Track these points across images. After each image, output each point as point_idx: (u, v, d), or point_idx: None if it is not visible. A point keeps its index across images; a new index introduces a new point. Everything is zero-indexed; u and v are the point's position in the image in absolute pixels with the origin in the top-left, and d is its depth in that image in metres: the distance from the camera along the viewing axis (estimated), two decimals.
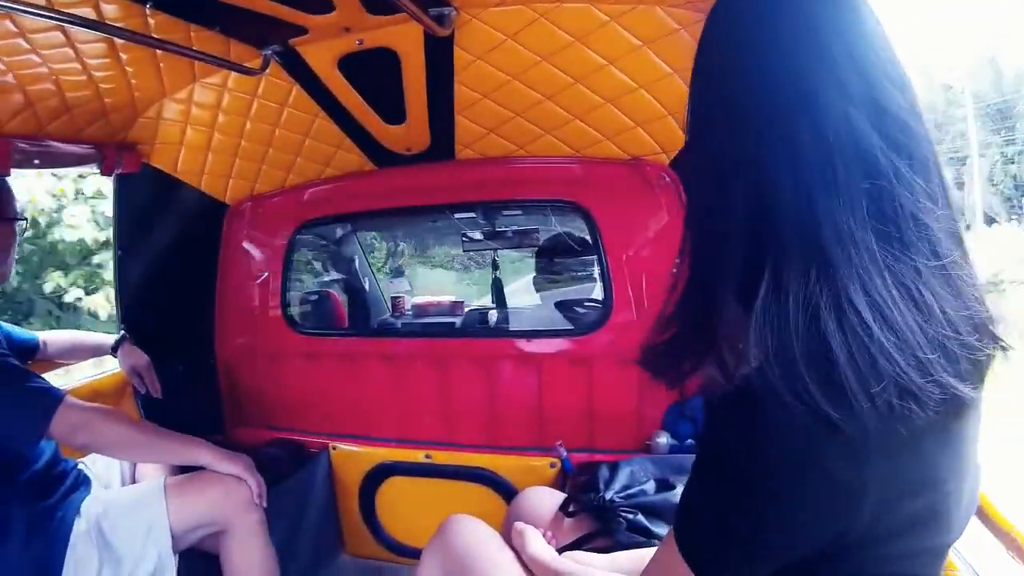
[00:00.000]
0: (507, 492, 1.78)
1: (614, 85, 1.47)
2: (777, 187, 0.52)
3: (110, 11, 1.34)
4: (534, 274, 2.28)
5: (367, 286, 2.70)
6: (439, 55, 1.51)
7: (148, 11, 1.34)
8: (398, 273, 2.83)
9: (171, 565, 1.31)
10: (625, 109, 1.55)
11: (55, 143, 1.75)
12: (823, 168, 0.51)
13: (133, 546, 1.30)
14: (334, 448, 2.02)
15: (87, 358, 1.85)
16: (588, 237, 1.93)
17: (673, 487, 1.26)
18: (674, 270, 1.76)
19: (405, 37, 1.47)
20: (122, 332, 1.83)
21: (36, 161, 1.73)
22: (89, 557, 1.29)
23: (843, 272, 0.49)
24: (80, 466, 1.49)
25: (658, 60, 1.37)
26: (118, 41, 1.47)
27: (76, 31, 1.41)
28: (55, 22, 1.33)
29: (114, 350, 1.80)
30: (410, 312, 2.46)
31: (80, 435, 1.25)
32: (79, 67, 1.57)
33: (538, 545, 1.00)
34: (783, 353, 0.49)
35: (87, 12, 1.31)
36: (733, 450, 0.53)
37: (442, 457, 1.87)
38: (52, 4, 1.27)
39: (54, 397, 1.24)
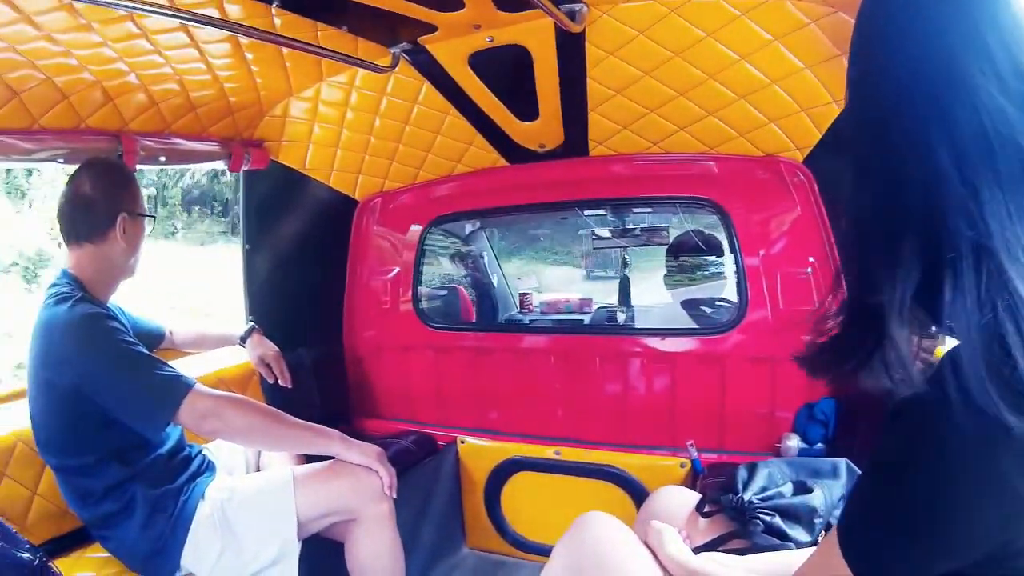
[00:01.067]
0: (635, 491, 1.89)
1: (746, 81, 1.54)
2: (945, 183, 0.54)
3: (235, 11, 1.42)
4: (663, 272, 2.36)
5: (496, 282, 2.87)
6: (571, 51, 1.58)
7: (274, 10, 1.42)
8: (531, 271, 3.03)
9: (294, 551, 1.41)
10: (758, 105, 1.62)
11: (181, 140, 1.88)
12: (985, 163, 0.53)
13: (257, 531, 1.41)
14: (462, 442, 2.18)
15: (213, 348, 2.00)
16: (720, 235, 2.06)
17: (810, 490, 1.29)
18: (808, 269, 1.92)
19: (536, 34, 1.55)
20: (251, 323, 1.96)
21: (162, 158, 1.86)
22: (210, 540, 1.41)
23: (1012, 273, 0.51)
24: (205, 452, 1.62)
25: (790, 55, 1.43)
26: (243, 41, 1.57)
27: (200, 31, 1.51)
28: (179, 22, 1.43)
29: (243, 340, 1.93)
30: (538, 308, 2.62)
31: (208, 422, 1.34)
32: (203, 67, 1.67)
33: (676, 545, 1.04)
34: (964, 358, 0.51)
35: (212, 12, 1.40)
36: (910, 457, 0.56)
37: (571, 454, 1.99)
38: (175, 4, 1.35)
39: (184, 385, 1.33)
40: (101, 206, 1.50)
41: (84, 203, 1.50)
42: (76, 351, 1.39)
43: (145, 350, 1.46)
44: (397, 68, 1.68)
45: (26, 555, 1.26)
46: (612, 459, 1.95)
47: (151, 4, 1.31)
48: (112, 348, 1.40)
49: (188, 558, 1.45)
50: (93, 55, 1.56)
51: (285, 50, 1.64)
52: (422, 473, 2.05)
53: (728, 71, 1.53)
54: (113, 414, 1.39)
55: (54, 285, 1.49)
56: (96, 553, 1.62)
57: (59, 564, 1.34)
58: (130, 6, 1.29)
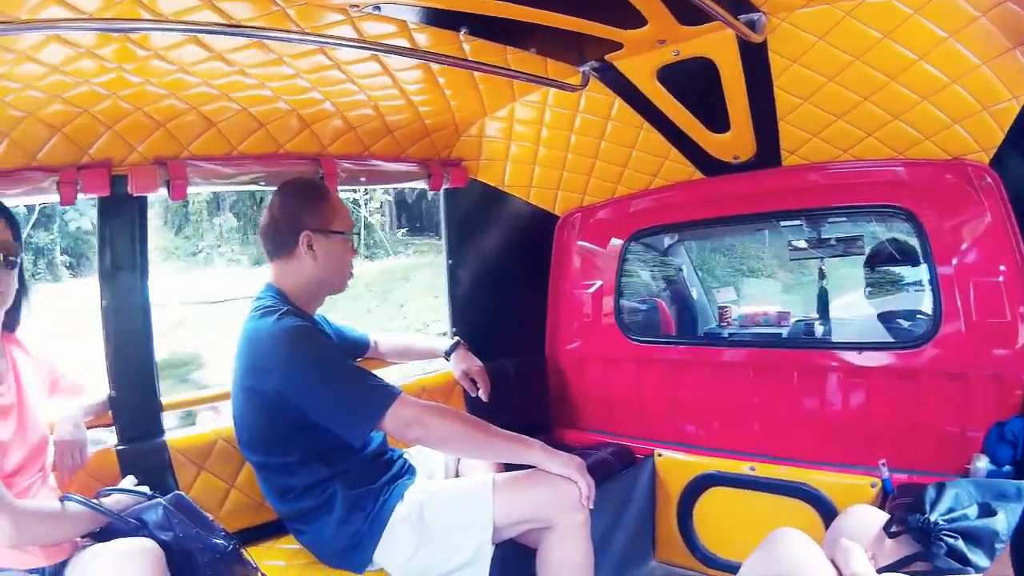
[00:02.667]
0: (825, 509, 1.99)
1: (926, 82, 1.66)
2: None
3: (424, 40, 1.67)
4: (852, 282, 2.62)
5: (695, 295, 3.11)
6: (756, 61, 1.78)
7: (463, 37, 1.66)
8: (725, 283, 3.30)
9: (487, 555, 1.56)
10: (941, 106, 1.73)
11: (380, 162, 2.20)
12: None
13: (453, 533, 1.58)
14: (659, 455, 2.35)
15: (417, 359, 2.29)
16: (913, 243, 2.17)
17: (995, 513, 1.33)
18: (1000, 278, 2.20)
19: (720, 45, 1.76)
20: (456, 338, 2.24)
21: (363, 179, 2.18)
22: (406, 539, 1.60)
23: None
24: (405, 456, 1.83)
25: (965, 51, 1.54)
26: (435, 67, 1.83)
27: (391, 59, 1.77)
28: (370, 52, 1.69)
29: (447, 355, 2.20)
30: (737, 321, 2.77)
31: (412, 430, 1.54)
32: (397, 92, 1.96)
33: (861, 564, 1.16)
34: None
35: (402, 42, 1.64)
36: None
37: (765, 470, 2.14)
38: (364, 37, 1.60)
39: (390, 394, 1.54)
40: (283, 224, 1.78)
41: (272, 222, 1.80)
42: (282, 361, 1.63)
43: (350, 361, 1.74)
44: (588, 86, 1.93)
45: (220, 541, 1.51)
46: (805, 476, 2.08)
47: (343, 39, 1.57)
48: (318, 359, 1.65)
49: (381, 554, 1.63)
50: (287, 86, 1.85)
51: (476, 73, 1.90)
52: (618, 484, 2.24)
53: (908, 72, 1.65)
54: (317, 418, 1.61)
55: (259, 298, 1.77)
56: (287, 544, 1.88)
57: (251, 551, 1.60)
58: (322, 41, 1.56)
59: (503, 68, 1.74)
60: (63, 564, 1.51)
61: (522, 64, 1.80)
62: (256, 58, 1.69)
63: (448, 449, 1.71)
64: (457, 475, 1.91)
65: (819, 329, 2.54)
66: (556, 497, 1.59)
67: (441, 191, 2.35)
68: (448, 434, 1.56)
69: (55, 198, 1.89)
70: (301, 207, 1.78)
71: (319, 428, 1.62)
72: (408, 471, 1.79)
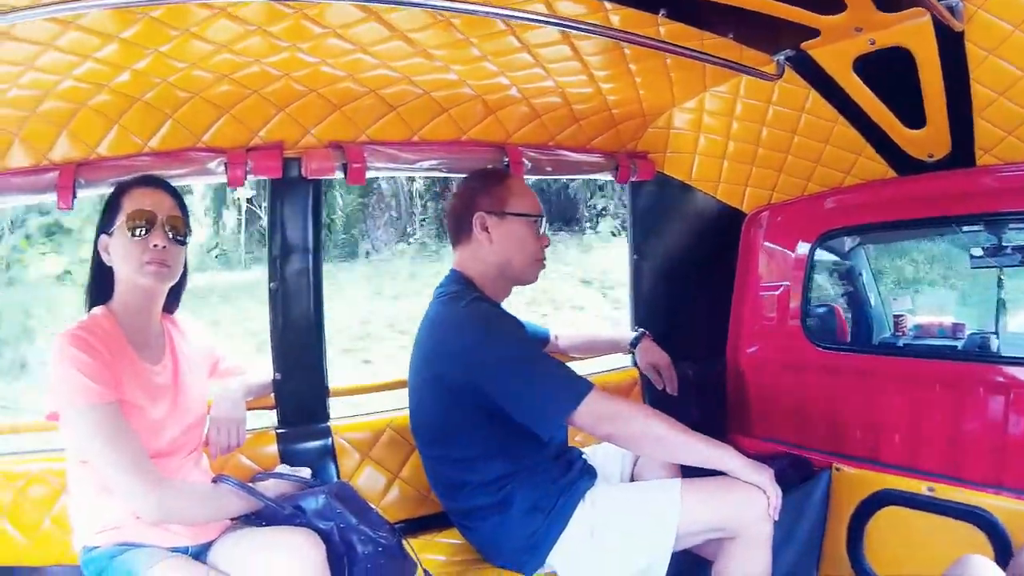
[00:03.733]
0: (998, 538, 1.98)
1: None
2: None
3: (618, 21, 1.70)
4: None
5: (872, 301, 3.15)
6: (953, 52, 1.79)
7: (660, 19, 1.70)
8: (901, 291, 3.37)
9: (663, 563, 1.59)
10: None
11: (566, 152, 2.28)
12: None
13: (632, 539, 1.61)
14: (837, 469, 2.40)
15: (600, 354, 2.36)
16: None
17: None
18: None
19: (917, 34, 1.77)
20: (641, 329, 2.29)
21: (548, 168, 2.25)
22: (582, 542, 1.64)
23: None
24: (584, 456, 1.87)
25: None
26: (627, 52, 1.88)
27: (583, 43, 1.81)
28: (560, 31, 1.72)
29: (632, 345, 2.27)
30: (912, 332, 2.83)
31: (604, 425, 1.58)
32: (585, 79, 2.01)
33: None
34: None
35: (597, 22, 1.68)
36: None
37: (944, 491, 2.10)
38: (555, 12, 1.63)
39: (585, 386, 1.58)
40: (460, 207, 1.87)
41: (451, 208, 1.92)
42: (472, 346, 1.69)
43: (545, 352, 1.80)
44: (783, 76, 1.97)
45: (383, 534, 1.58)
46: (983, 501, 2.04)
47: (536, 14, 1.60)
48: (511, 345, 1.72)
49: (555, 557, 1.67)
50: (473, 70, 1.91)
51: (669, 60, 1.95)
52: (793, 497, 2.21)
53: None
54: (505, 410, 1.66)
55: (443, 284, 1.85)
56: (448, 539, 1.96)
57: (410, 544, 1.66)
58: (515, 16, 1.59)
59: (700, 53, 1.77)
60: (208, 545, 1.60)
61: (717, 51, 1.84)
62: (441, 39, 1.74)
63: (639, 448, 1.73)
64: (632, 479, 1.95)
65: (996, 343, 2.58)
66: (745, 506, 1.61)
67: (627, 184, 2.43)
68: (642, 432, 1.60)
69: (222, 179, 1.98)
70: (477, 189, 1.86)
71: (503, 420, 1.66)
72: (588, 472, 1.82)
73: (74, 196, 2.01)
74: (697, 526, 1.63)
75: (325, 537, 1.48)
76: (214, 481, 1.66)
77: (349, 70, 1.89)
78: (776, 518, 1.64)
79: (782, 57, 1.94)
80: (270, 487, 1.66)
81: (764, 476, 1.62)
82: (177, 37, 1.67)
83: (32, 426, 2.59)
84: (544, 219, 1.84)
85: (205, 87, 1.92)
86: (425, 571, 1.69)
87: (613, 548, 1.63)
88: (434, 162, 2.15)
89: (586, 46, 1.83)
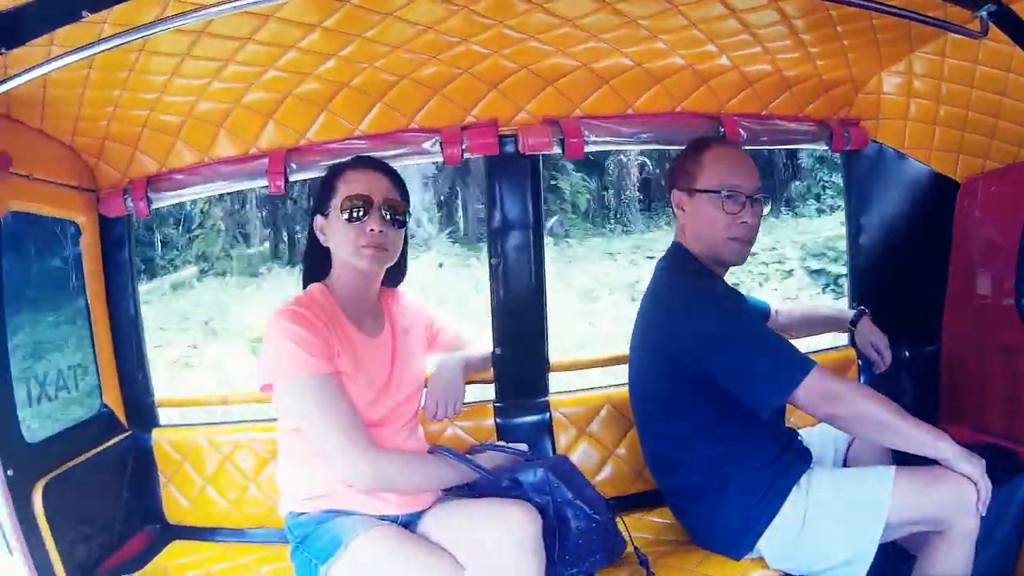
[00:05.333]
0: None
1: None
2: None
3: None
4: None
5: None
6: None
7: None
8: None
9: (869, 555, 1.60)
10: None
11: (779, 121, 2.33)
12: None
13: (840, 528, 1.63)
14: None
15: (819, 332, 2.38)
16: None
17: None
18: None
19: None
20: (860, 307, 2.31)
21: (764, 138, 2.30)
22: (793, 528, 1.67)
23: None
24: (800, 438, 1.89)
25: None
26: (834, 14, 1.92)
27: (788, 5, 1.85)
28: None
29: (852, 324, 2.29)
30: None
31: (826, 405, 1.59)
32: (792, 43, 2.07)
33: None
34: None
35: None
36: None
37: None
38: None
39: (808, 363, 1.59)
40: (666, 184, 1.94)
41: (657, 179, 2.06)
42: (694, 318, 1.74)
43: (768, 327, 1.84)
44: (987, 34, 1.94)
45: (597, 507, 1.67)
46: None
47: None
48: (733, 318, 1.76)
49: (765, 541, 1.71)
50: (681, 39, 1.99)
51: (875, 20, 1.98)
52: (999, 493, 2.09)
53: None
54: (725, 385, 1.70)
55: (664, 257, 1.92)
56: (657, 518, 2.05)
57: (624, 520, 1.75)
58: None
59: (904, 10, 1.79)
60: (419, 514, 1.71)
61: (921, 8, 1.84)
62: (647, 7, 1.83)
63: (858, 430, 1.73)
64: (845, 463, 1.98)
65: None
66: (957, 499, 1.61)
67: (840, 154, 2.49)
68: (864, 414, 1.60)
69: (437, 158, 2.12)
70: (674, 164, 1.93)
71: (722, 397, 1.71)
72: (804, 454, 1.85)
73: (286, 181, 2.19)
74: (908, 517, 1.64)
75: (540, 511, 1.56)
76: (430, 451, 1.78)
77: (558, 44, 2.00)
78: (984, 513, 1.64)
79: (984, 13, 1.93)
80: (486, 459, 1.75)
81: (977, 468, 1.61)
82: (380, 22, 1.80)
83: (240, 397, 2.77)
84: (745, 195, 1.80)
85: (413, 69, 2.06)
86: (637, 549, 1.76)
87: (823, 535, 1.66)
88: (649, 135, 2.24)
89: (792, 9, 1.90)
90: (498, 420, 2.20)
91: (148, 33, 1.57)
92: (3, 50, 1.65)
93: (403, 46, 1.94)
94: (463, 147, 2.14)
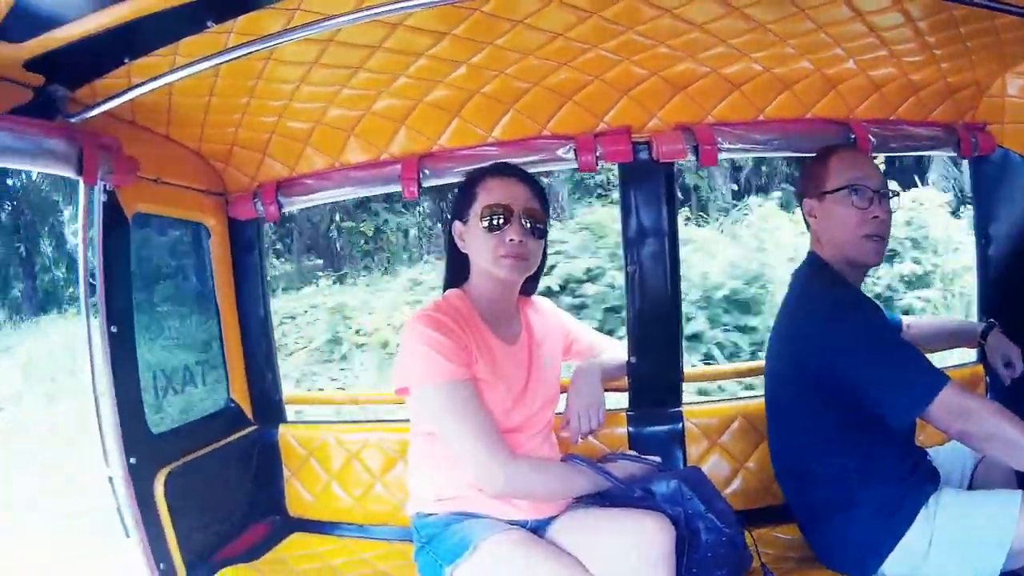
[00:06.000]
0: None
1: None
2: None
3: None
4: None
5: None
6: None
7: None
8: None
9: None
10: None
11: (907, 126, 2.36)
12: None
13: (964, 550, 1.62)
14: None
15: (948, 345, 2.38)
16: None
17: None
18: None
19: None
20: (989, 319, 2.31)
21: (893, 145, 2.33)
22: (918, 552, 1.66)
23: None
24: (929, 457, 1.87)
25: None
26: (956, 15, 1.93)
27: (914, 7, 1.87)
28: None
29: (983, 336, 2.25)
30: None
31: (959, 422, 1.57)
32: (917, 46, 2.09)
33: None
34: None
35: None
36: None
37: None
38: None
39: (943, 378, 1.58)
40: (797, 196, 1.98)
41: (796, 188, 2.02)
42: (831, 328, 1.76)
43: (905, 340, 1.85)
44: None
45: (728, 521, 1.67)
46: None
47: None
48: (872, 328, 1.76)
49: (890, 564, 1.70)
50: (809, 43, 2.03)
51: (997, 20, 1.97)
52: None
53: None
54: (859, 396, 1.71)
55: (800, 267, 1.96)
56: (783, 533, 2.08)
57: (753, 535, 1.76)
58: None
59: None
60: (548, 521, 1.76)
61: None
62: (774, 13, 1.88)
63: (989, 449, 1.68)
64: (971, 484, 1.96)
65: None
66: None
67: (968, 160, 2.49)
68: (994, 432, 1.57)
69: (572, 165, 2.20)
70: (802, 175, 1.99)
71: (855, 409, 1.73)
72: (933, 474, 1.84)
73: (419, 186, 2.29)
74: None
75: (672, 522, 1.57)
76: (563, 459, 1.84)
77: (687, 50, 2.05)
78: None
79: None
80: (618, 468, 1.76)
81: None
82: (510, 29, 1.88)
83: (371, 397, 2.91)
84: (872, 189, 1.82)
85: (544, 76, 2.15)
86: (764, 566, 1.81)
87: (947, 559, 1.66)
88: (780, 141, 2.29)
89: (916, 10, 1.92)
90: (631, 429, 2.25)
91: (277, 43, 1.68)
92: (127, 60, 1.80)
93: (533, 53, 2.02)
94: (597, 154, 2.22)
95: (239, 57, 1.71)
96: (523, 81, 2.19)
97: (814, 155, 1.99)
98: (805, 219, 1.99)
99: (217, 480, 2.45)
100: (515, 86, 2.21)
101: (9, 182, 16.24)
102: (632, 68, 2.13)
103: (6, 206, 16.93)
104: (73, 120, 1.88)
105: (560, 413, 2.00)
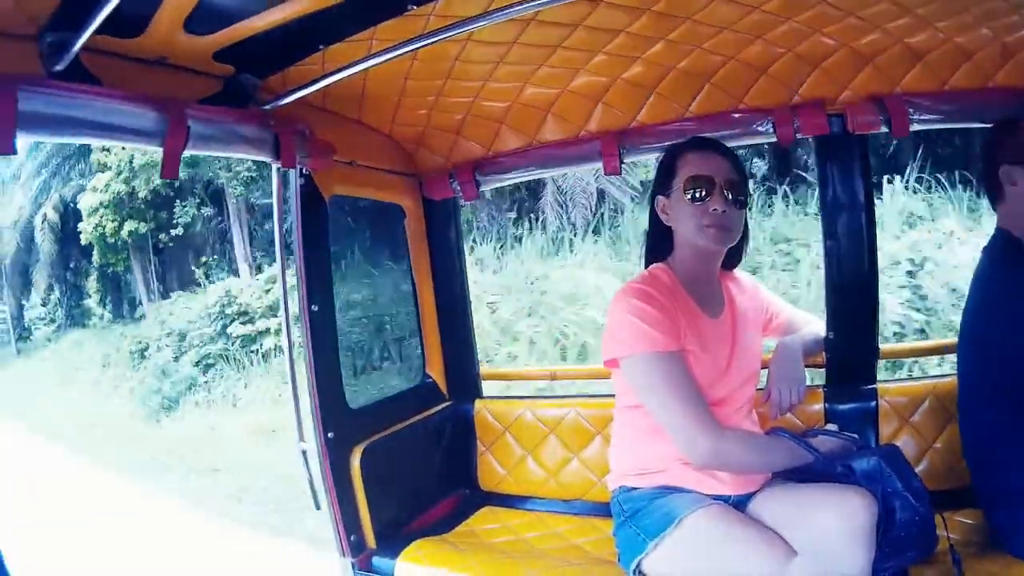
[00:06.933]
0: None
1: None
2: None
3: None
4: None
5: None
6: None
7: None
8: None
9: None
10: None
11: None
12: None
13: None
14: None
15: None
16: None
17: None
18: None
19: None
20: None
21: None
22: None
23: None
24: None
25: None
26: None
27: None
28: None
29: None
30: None
31: None
32: None
33: None
34: None
35: None
36: None
37: None
38: None
39: None
40: (985, 164, 2.08)
41: (982, 164, 2.11)
42: (1004, 301, 1.91)
43: None
44: None
45: (922, 500, 1.81)
46: None
47: None
48: None
49: None
50: (987, 10, 2.14)
51: None
52: None
53: None
54: None
55: (988, 244, 2.07)
56: (967, 518, 2.19)
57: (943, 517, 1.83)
58: None
59: None
60: (749, 496, 1.92)
61: None
62: None
63: None
64: None
65: None
66: None
67: None
68: None
69: (771, 138, 2.41)
70: (998, 140, 2.02)
71: None
72: None
73: (620, 161, 2.58)
74: None
75: None
76: (767, 432, 2.02)
77: (876, 20, 2.20)
78: None
79: None
80: (819, 444, 1.91)
81: None
82: (707, 4, 2.08)
83: (568, 372, 3.27)
84: None
85: (738, 49, 2.36)
86: (952, 547, 1.91)
87: None
88: (963, 112, 2.45)
89: None
90: (827, 405, 2.41)
91: (480, 24, 1.87)
92: (321, 47, 2.06)
93: (729, 27, 2.23)
94: (795, 127, 2.45)
95: (441, 40, 1.92)
96: (718, 55, 2.40)
97: (1005, 123, 2.14)
98: (994, 191, 2.10)
99: (410, 454, 2.78)
100: (710, 60, 2.42)
101: None
102: (823, 40, 2.31)
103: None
104: (266, 108, 2.18)
105: (760, 389, 2.16)
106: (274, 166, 2.31)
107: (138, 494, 7.26)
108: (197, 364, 12.31)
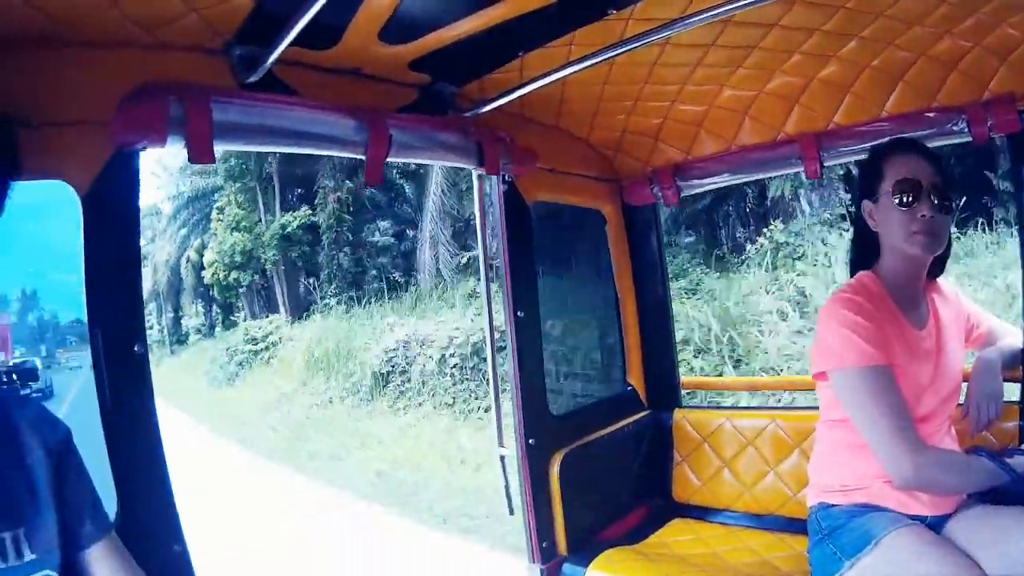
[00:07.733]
0: None
1: None
2: None
3: None
4: None
5: None
6: None
7: None
8: None
9: None
10: None
11: None
12: None
13: None
14: None
15: None
16: None
17: None
18: None
19: None
20: None
21: None
22: None
23: None
24: None
25: None
26: None
27: None
28: None
29: None
30: None
31: None
32: None
33: None
34: None
35: None
36: None
37: None
38: None
39: None
40: None
41: None
42: None
43: None
44: None
45: None
46: None
47: None
48: None
49: None
50: None
51: None
52: None
53: None
54: None
55: None
56: None
57: None
58: None
59: None
60: (944, 517, 1.94)
61: None
62: None
63: None
64: None
65: None
66: None
67: None
68: None
69: (965, 138, 2.48)
70: None
71: None
72: None
73: (821, 165, 2.70)
74: None
75: None
76: (967, 451, 2.05)
77: None
78: None
79: None
80: (1017, 464, 1.93)
81: None
82: (889, 3, 2.11)
83: (769, 383, 3.51)
84: None
85: (929, 45, 2.42)
86: None
87: None
88: None
89: None
90: (1022, 423, 2.44)
91: (681, 28, 1.99)
92: (520, 54, 2.23)
93: (919, 22, 2.29)
94: (988, 125, 2.43)
95: (643, 45, 2.06)
96: (909, 52, 2.47)
97: None
98: None
99: (607, 463, 2.97)
100: (902, 58, 2.49)
101: None
102: (1008, 31, 2.32)
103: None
104: (467, 115, 2.39)
105: (960, 404, 2.20)
106: (475, 173, 2.56)
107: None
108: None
